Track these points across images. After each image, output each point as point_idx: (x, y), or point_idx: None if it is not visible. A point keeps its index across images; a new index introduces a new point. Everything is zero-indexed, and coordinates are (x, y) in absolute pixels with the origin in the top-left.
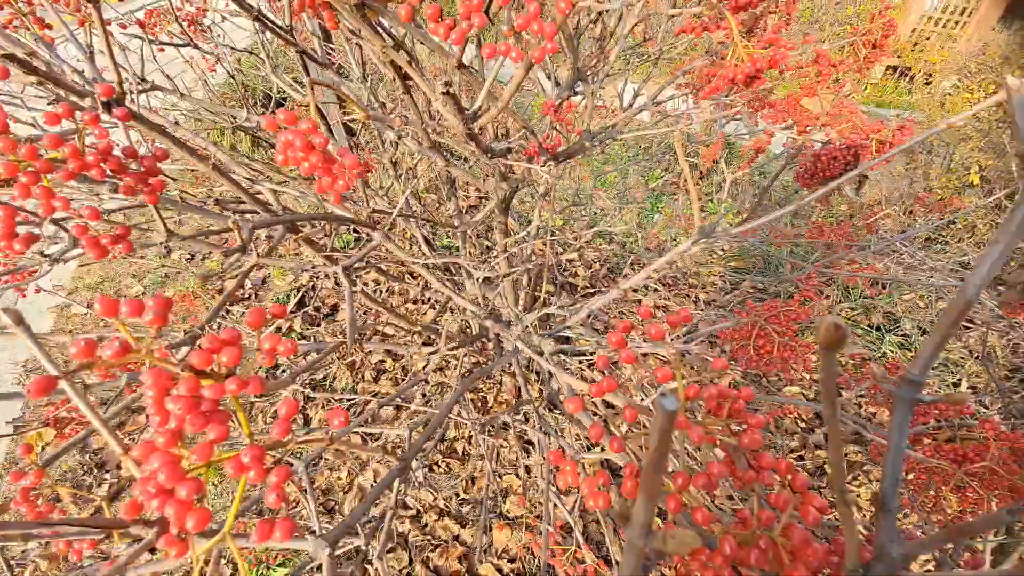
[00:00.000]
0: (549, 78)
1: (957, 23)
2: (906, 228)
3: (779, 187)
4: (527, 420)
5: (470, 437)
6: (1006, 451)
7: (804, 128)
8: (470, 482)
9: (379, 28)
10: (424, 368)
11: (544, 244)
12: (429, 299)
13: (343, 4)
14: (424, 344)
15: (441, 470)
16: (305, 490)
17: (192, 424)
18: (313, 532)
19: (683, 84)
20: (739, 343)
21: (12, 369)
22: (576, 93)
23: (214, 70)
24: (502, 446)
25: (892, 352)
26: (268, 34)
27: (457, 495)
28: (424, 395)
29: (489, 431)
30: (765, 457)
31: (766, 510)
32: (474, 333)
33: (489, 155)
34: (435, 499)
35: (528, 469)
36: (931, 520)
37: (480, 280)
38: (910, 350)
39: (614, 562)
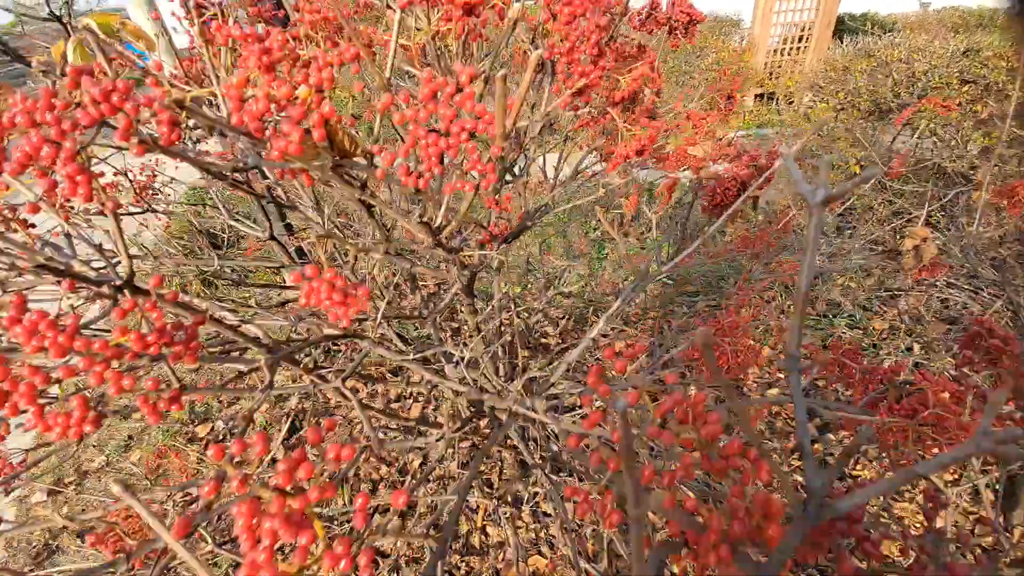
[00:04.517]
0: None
1: (798, 50)
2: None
3: (695, 216)
4: (535, 482)
5: (484, 527)
6: (946, 395)
7: (696, 169)
8: (495, 574)
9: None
10: (422, 465)
11: (511, 313)
12: (411, 394)
13: (324, 170)
14: (419, 435)
15: (461, 573)
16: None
17: (286, 534)
18: None
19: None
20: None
21: None
22: (508, 183)
23: (169, 226)
24: (519, 527)
25: (846, 333)
26: (219, 184)
27: None
28: (426, 492)
29: (503, 510)
30: (730, 445)
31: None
32: (465, 416)
33: (450, 252)
34: None
35: (551, 544)
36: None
37: (465, 361)
38: (860, 328)
39: None
